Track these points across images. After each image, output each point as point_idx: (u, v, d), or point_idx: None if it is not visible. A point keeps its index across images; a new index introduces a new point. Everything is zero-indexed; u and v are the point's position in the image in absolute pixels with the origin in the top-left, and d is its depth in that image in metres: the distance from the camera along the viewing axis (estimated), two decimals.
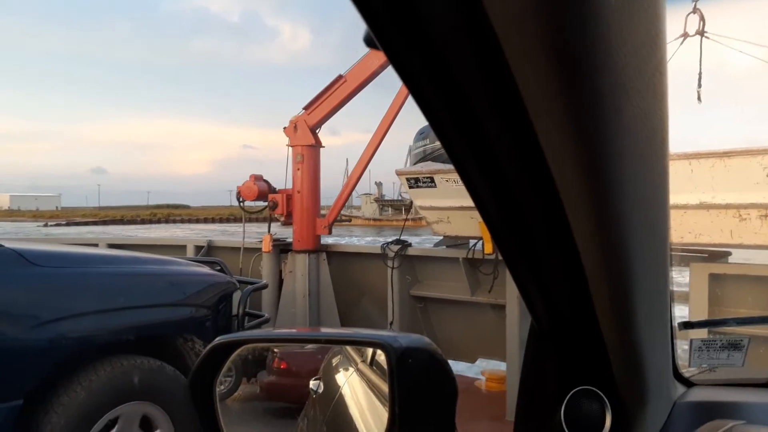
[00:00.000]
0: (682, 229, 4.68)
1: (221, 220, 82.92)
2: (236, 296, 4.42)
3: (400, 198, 52.24)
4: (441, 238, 7.03)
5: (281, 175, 7.96)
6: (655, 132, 0.57)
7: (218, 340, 1.04)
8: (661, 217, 0.70)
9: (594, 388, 0.94)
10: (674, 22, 5.23)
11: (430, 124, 0.48)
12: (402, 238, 7.02)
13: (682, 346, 1.37)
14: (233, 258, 7.63)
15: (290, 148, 7.73)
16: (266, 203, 7.80)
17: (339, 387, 2.08)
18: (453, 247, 6.83)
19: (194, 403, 1.03)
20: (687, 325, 1.10)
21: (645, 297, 0.77)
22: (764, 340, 4.12)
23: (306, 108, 7.47)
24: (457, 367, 6.97)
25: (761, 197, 4.27)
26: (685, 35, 5.22)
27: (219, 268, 4.68)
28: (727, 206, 4.44)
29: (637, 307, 0.76)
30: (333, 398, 2.05)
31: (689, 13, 5.14)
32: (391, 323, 6.80)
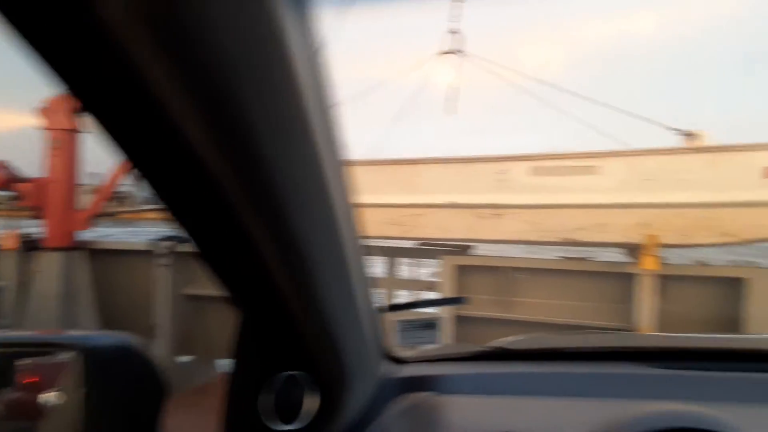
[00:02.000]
0: (433, 226, 5.27)
1: None
2: None
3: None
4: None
5: None
6: (295, 127, 0.61)
7: None
8: (325, 207, 0.75)
9: (300, 373, 1.01)
10: (437, 40, 5.86)
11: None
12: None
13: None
14: None
15: (47, 133, 6.81)
16: (10, 193, 6.76)
17: (73, 398, 1.92)
18: None
19: None
20: (392, 308, 1.24)
21: (332, 283, 0.85)
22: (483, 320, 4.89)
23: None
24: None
25: (494, 198, 5.03)
26: (445, 52, 5.87)
27: None
28: (470, 206, 5.13)
29: (324, 293, 0.83)
30: (67, 410, 1.88)
31: (450, 32, 5.79)
32: (157, 325, 6.41)
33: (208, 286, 6.78)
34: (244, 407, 0.97)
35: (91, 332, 0.92)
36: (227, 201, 0.62)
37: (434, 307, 1.38)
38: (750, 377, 1.22)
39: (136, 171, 0.58)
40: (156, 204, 0.64)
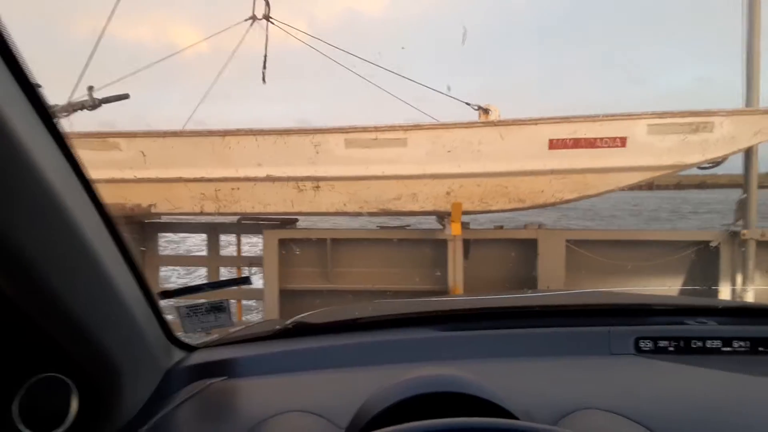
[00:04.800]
0: (253, 200, 5.14)
1: None
2: None
3: None
4: None
5: None
6: None
7: None
8: (46, 197, 0.67)
9: (57, 375, 0.91)
10: (245, 4, 5.63)
11: None
12: None
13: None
14: None
15: None
16: None
17: None
18: None
19: None
20: (165, 295, 1.17)
21: (68, 276, 0.76)
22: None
23: None
24: None
25: (313, 171, 5.04)
26: (254, 18, 5.66)
27: None
28: (288, 179, 5.08)
29: (58, 287, 0.75)
30: None
31: None
32: None
33: None
34: None
35: None
36: None
37: (219, 289, 1.32)
38: (527, 333, 1.35)
39: None
40: None
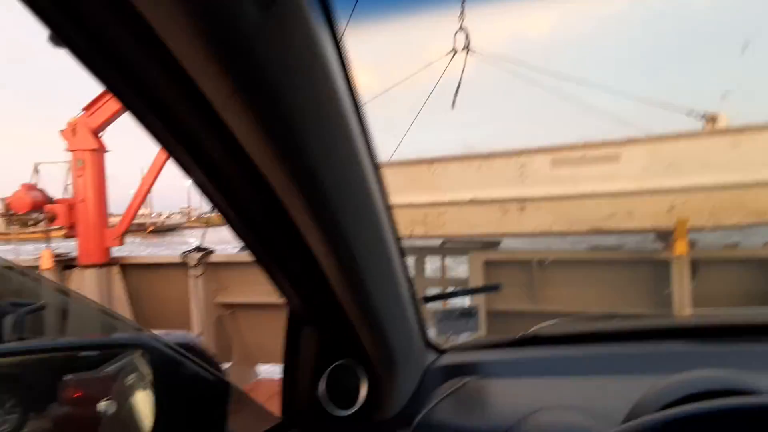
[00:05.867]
0: (457, 223, 5.28)
1: None
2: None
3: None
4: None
5: None
6: (338, 137, 0.68)
7: None
8: (369, 208, 0.81)
9: (351, 362, 1.06)
10: (445, 39, 5.87)
11: (147, 131, 0.54)
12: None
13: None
14: (3, 278, 6.64)
15: (71, 154, 7.00)
16: (42, 215, 6.95)
17: (129, 405, 1.98)
18: None
19: None
20: (427, 300, 1.27)
21: (376, 280, 0.90)
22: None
23: (86, 109, 6.80)
24: (270, 369, 6.94)
25: (518, 192, 5.02)
26: (455, 51, 5.87)
27: None
28: (493, 201, 5.13)
29: (370, 289, 0.88)
30: (123, 418, 1.94)
31: (457, 32, 5.79)
32: (199, 335, 6.53)
33: (241, 294, 6.93)
34: (303, 394, 1.01)
35: (152, 331, 0.96)
36: (285, 209, 0.68)
37: (470, 296, 1.40)
38: None
39: (199, 187, 0.64)
40: (218, 215, 0.71)
